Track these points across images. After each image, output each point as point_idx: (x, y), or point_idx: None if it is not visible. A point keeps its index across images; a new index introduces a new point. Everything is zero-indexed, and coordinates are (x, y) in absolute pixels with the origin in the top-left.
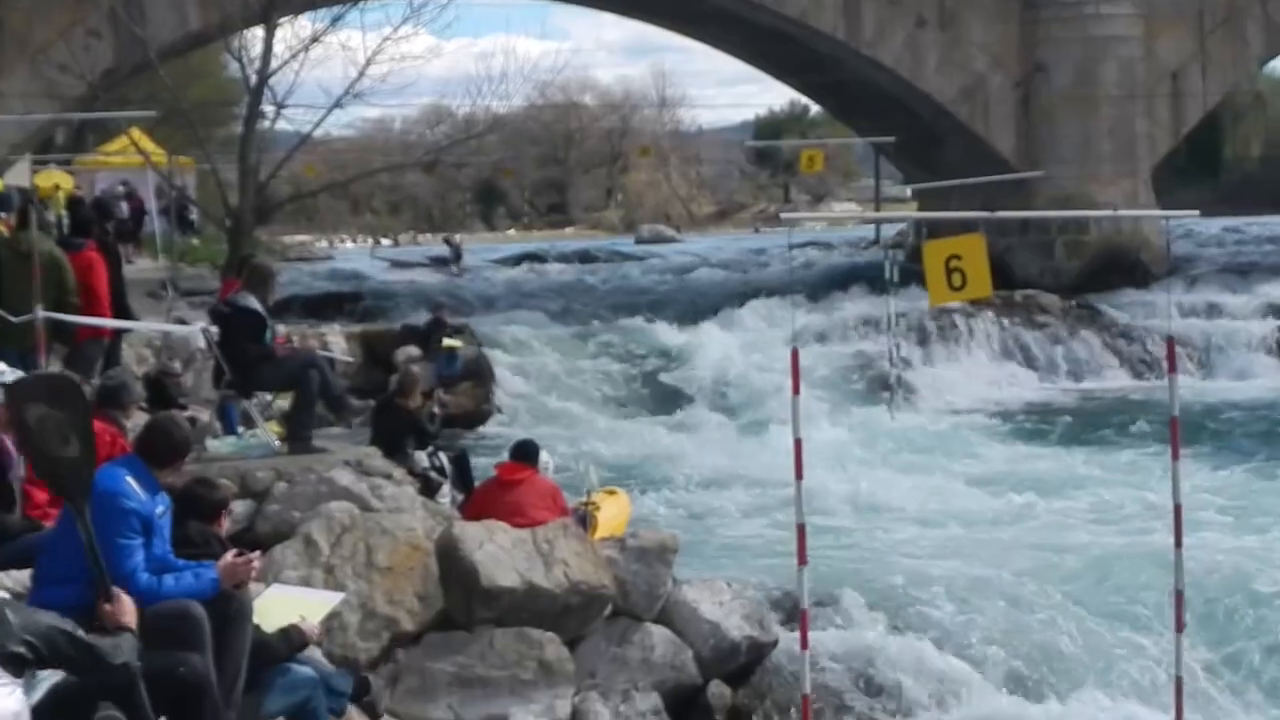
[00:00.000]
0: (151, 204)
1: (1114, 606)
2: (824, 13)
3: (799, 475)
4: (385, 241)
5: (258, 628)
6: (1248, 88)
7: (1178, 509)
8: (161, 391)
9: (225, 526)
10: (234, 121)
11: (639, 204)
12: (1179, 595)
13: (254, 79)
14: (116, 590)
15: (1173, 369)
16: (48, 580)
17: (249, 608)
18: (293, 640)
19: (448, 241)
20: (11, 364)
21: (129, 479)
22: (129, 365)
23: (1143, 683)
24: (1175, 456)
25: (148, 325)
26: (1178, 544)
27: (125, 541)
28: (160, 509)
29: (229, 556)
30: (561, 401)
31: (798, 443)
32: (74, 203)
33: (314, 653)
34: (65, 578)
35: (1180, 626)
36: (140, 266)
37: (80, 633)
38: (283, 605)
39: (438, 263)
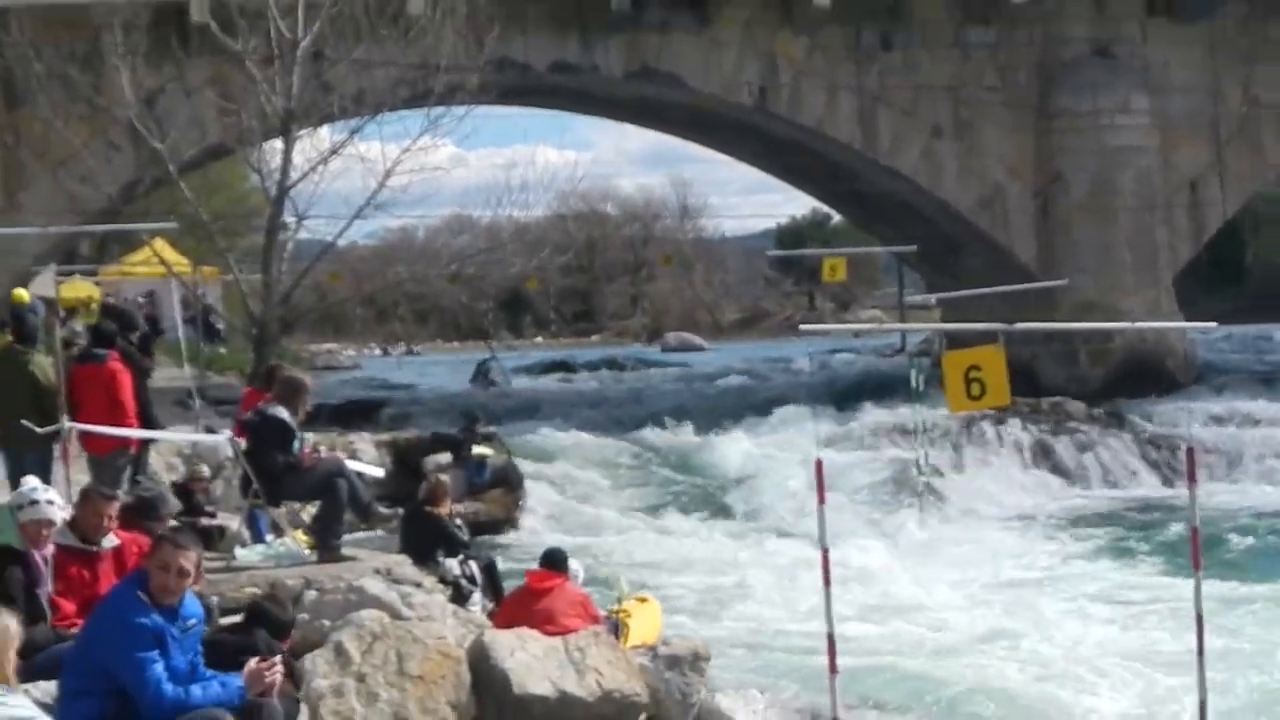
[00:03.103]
0: (177, 313)
1: (1140, 715)
2: (840, 123)
3: (827, 583)
4: (396, 351)
5: None
6: (1267, 195)
7: (1200, 619)
8: (189, 499)
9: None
10: (255, 232)
11: (664, 311)
12: (1203, 705)
13: (274, 190)
14: None
15: (1193, 478)
16: (69, 693)
17: (279, 716)
18: None
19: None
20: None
21: (140, 595)
22: (157, 474)
23: None
24: (1197, 566)
25: (175, 435)
26: (1200, 653)
27: (141, 655)
28: (191, 621)
29: (253, 664)
30: (591, 509)
31: (825, 552)
32: (107, 312)
33: None
34: (86, 690)
35: None
36: (169, 375)
37: None
38: None
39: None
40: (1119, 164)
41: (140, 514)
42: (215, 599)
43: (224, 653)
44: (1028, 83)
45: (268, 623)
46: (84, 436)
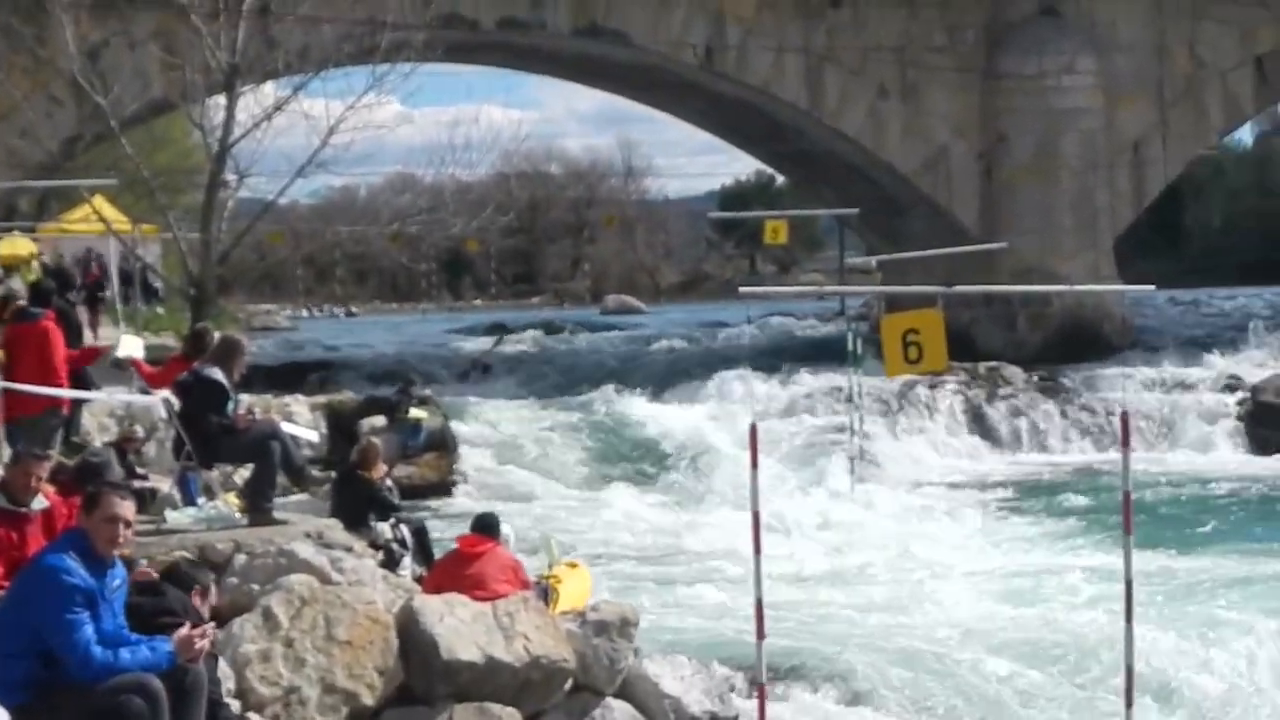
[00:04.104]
0: (114, 272)
1: (1066, 681)
2: (786, 82)
3: (757, 549)
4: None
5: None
6: (1209, 159)
7: (1129, 585)
8: (122, 459)
9: (207, 608)
10: (197, 189)
11: (606, 274)
12: (1129, 670)
13: (215, 147)
14: None
15: (1126, 443)
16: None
17: (204, 681)
18: None
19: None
20: None
21: (72, 556)
22: (90, 434)
23: None
24: (1128, 531)
25: (108, 396)
26: (1128, 619)
27: (71, 617)
28: (116, 583)
29: (184, 630)
30: (524, 473)
31: (756, 516)
32: (49, 272)
33: None
34: (13, 653)
35: (1130, 701)
36: (105, 335)
37: None
38: None
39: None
40: (1063, 126)
41: (86, 479)
42: (143, 562)
43: (141, 615)
44: (975, 43)
45: (178, 580)
46: (15, 396)
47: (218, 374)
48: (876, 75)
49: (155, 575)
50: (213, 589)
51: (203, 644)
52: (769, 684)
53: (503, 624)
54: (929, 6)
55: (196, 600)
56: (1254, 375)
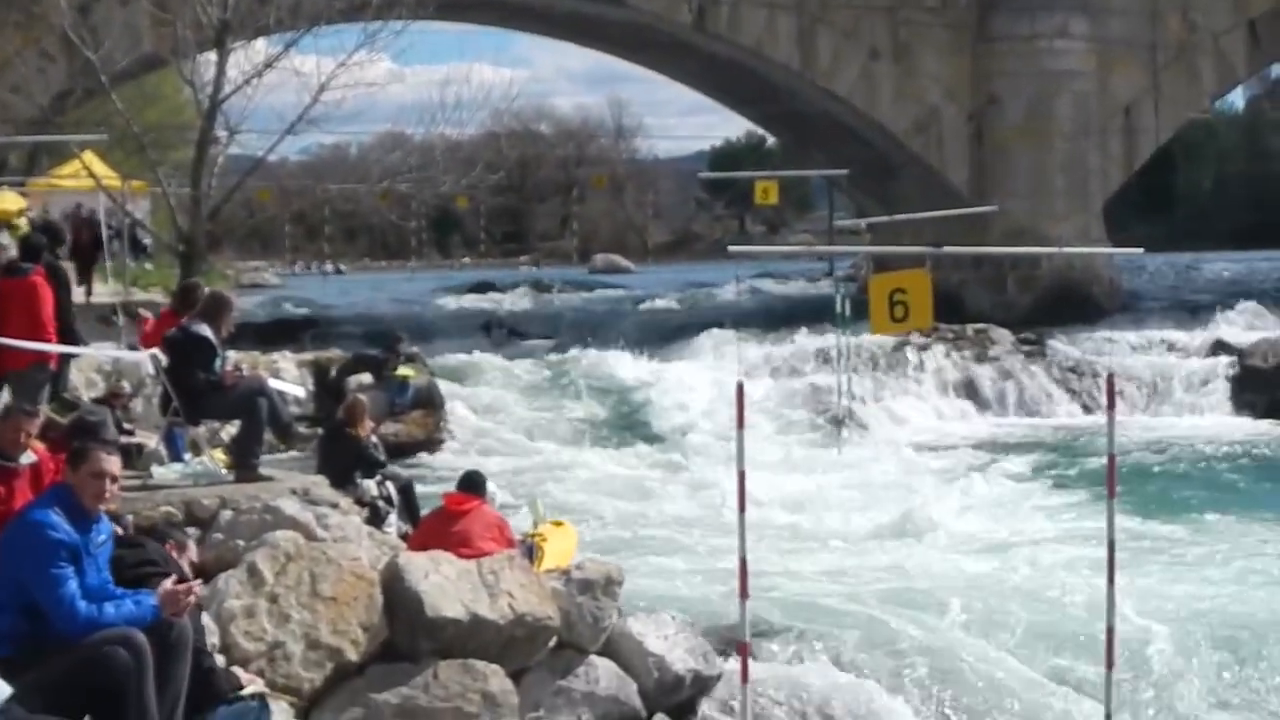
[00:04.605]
0: (103, 228)
1: (1048, 642)
2: (779, 43)
3: (742, 508)
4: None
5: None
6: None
7: (1111, 546)
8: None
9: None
10: (187, 146)
11: (594, 233)
12: (1110, 632)
13: (206, 103)
14: None
15: (1111, 407)
16: None
17: (189, 636)
18: (231, 681)
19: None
20: None
21: (57, 511)
22: (78, 390)
23: None
24: (1111, 494)
25: (95, 351)
26: (1110, 581)
27: (56, 571)
28: (101, 538)
29: (169, 584)
30: (511, 432)
31: (741, 476)
32: (39, 227)
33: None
34: (1, 607)
35: (1110, 663)
36: (94, 290)
37: None
38: None
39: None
40: (1056, 88)
41: (82, 437)
42: (129, 518)
43: (123, 568)
44: (967, 4)
45: (156, 538)
46: (2, 351)
47: (206, 330)
48: (868, 36)
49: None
50: (191, 545)
51: (188, 600)
52: (752, 643)
53: (487, 581)
54: None
55: (174, 553)
56: (1242, 339)
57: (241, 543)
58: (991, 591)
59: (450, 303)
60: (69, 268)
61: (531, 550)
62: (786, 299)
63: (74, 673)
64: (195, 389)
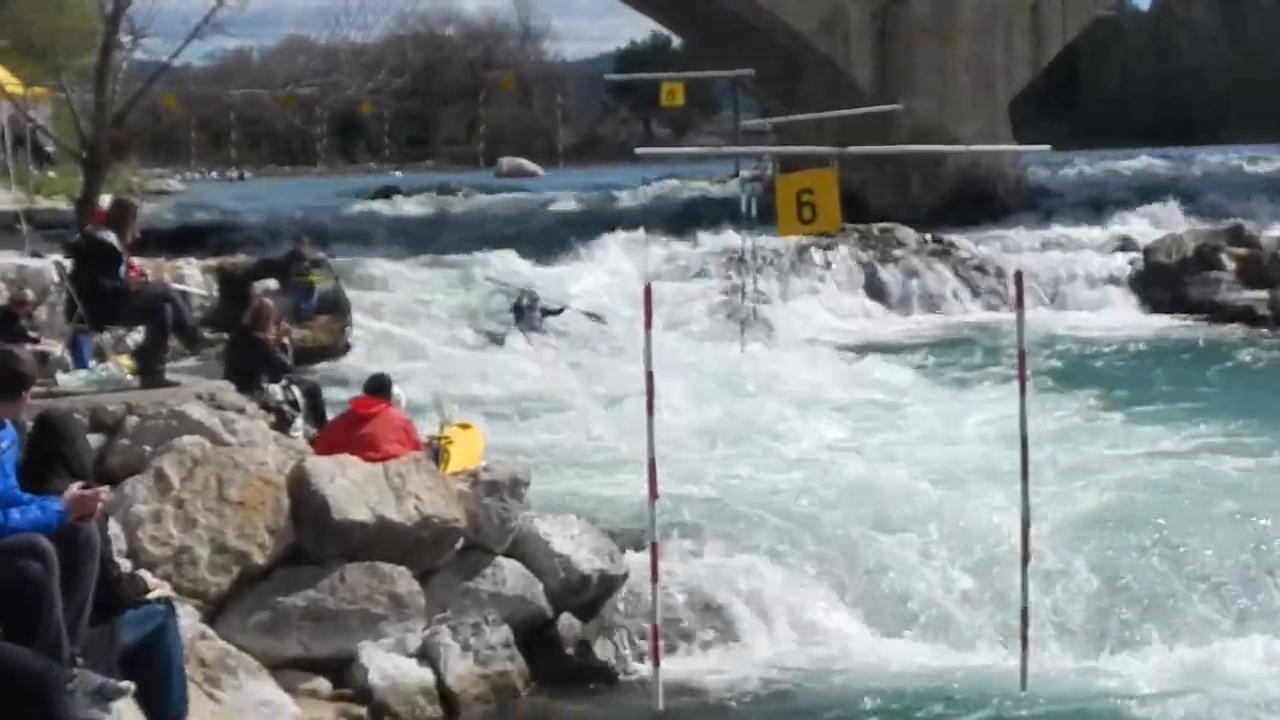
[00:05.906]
0: (6, 134)
1: (958, 537)
2: None
3: (650, 409)
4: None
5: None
6: (1107, 20)
7: (1024, 440)
8: (13, 324)
9: None
10: (92, 51)
11: (501, 137)
12: (1025, 524)
13: (110, 7)
14: None
15: (1020, 303)
16: None
17: (95, 540)
18: (138, 586)
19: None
20: None
21: None
22: None
23: (991, 622)
24: (1022, 390)
25: None
26: (1024, 476)
27: None
28: (5, 444)
29: (75, 489)
30: (418, 336)
31: (649, 376)
32: None
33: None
34: None
35: (1025, 643)
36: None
37: None
38: None
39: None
40: None
41: None
42: (30, 424)
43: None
44: None
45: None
46: None
47: (110, 236)
48: None
49: None
50: None
51: (95, 504)
52: (660, 542)
53: (394, 484)
54: None
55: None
56: (1148, 235)
57: (148, 448)
58: (897, 483)
59: (356, 207)
60: None
61: (438, 453)
62: (692, 201)
63: None
64: (100, 295)
